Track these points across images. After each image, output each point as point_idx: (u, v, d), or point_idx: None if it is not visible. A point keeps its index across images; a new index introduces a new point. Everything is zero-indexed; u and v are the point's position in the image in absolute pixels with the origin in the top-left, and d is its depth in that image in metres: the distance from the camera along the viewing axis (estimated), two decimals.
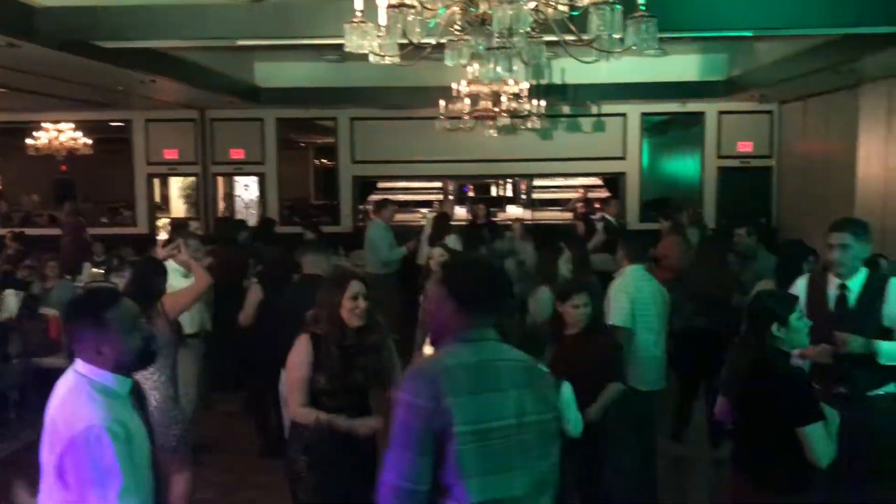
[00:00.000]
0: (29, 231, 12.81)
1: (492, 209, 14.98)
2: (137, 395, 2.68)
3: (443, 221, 9.06)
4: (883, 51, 7.45)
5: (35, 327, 7.62)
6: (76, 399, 2.45)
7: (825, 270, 4.10)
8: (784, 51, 9.67)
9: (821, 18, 6.60)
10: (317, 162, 18.60)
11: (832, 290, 3.95)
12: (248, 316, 6.18)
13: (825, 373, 3.50)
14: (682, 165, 14.69)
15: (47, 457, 2.47)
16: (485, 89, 9.31)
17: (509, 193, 16.51)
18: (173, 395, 4.41)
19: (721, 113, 12.98)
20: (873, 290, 3.89)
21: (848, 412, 3.30)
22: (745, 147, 13.05)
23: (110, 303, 2.58)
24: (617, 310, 4.94)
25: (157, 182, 14.93)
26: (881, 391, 3.86)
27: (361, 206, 14.30)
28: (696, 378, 6.17)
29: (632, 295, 5.10)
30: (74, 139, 13.78)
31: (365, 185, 14.46)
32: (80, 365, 2.53)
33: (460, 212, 14.60)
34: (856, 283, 3.92)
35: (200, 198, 14.10)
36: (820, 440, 2.95)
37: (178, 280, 5.28)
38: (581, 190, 15.81)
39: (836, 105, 10.76)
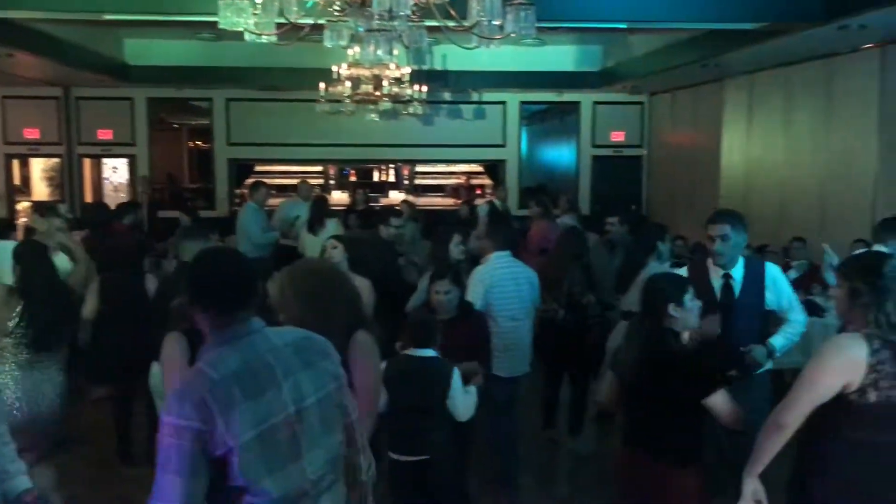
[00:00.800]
0: None
1: (373, 194, 14.96)
2: None
3: (320, 205, 8.86)
4: (744, 46, 7.88)
5: None
6: None
7: (704, 260, 4.24)
8: (655, 44, 10.06)
9: (689, 14, 6.91)
10: (191, 144, 17.95)
11: (716, 280, 4.11)
12: (90, 310, 5.66)
13: (717, 358, 3.64)
14: (559, 154, 15.07)
15: None
16: (366, 73, 9.22)
17: (392, 179, 16.47)
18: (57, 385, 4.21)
19: (596, 103, 13.39)
20: (754, 278, 4.10)
21: (740, 394, 3.43)
22: (618, 136, 13.52)
23: None
24: (471, 297, 4.90)
25: (16, 163, 14.01)
26: (761, 370, 4.13)
27: (238, 190, 13.92)
28: (558, 364, 6.20)
29: (488, 282, 5.08)
30: None
31: (241, 169, 14.07)
32: None
33: (341, 197, 14.47)
34: (737, 272, 4.10)
35: (66, 181, 13.34)
36: (727, 404, 3.09)
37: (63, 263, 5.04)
38: (464, 177, 15.99)
39: (703, 97, 11.31)
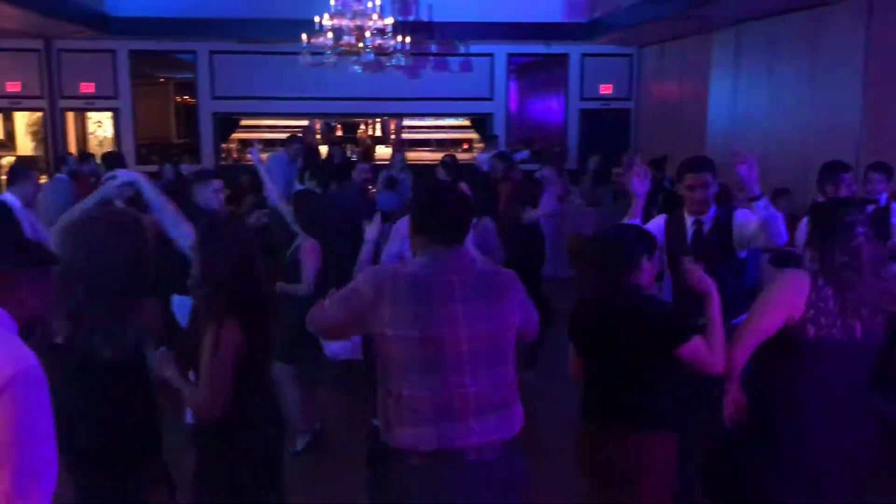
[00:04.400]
0: None
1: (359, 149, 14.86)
2: None
3: (312, 155, 8.67)
4: None
5: None
6: None
7: (679, 209, 4.19)
8: None
9: None
10: (178, 99, 17.76)
11: (689, 228, 4.09)
12: None
13: (686, 310, 3.47)
14: (548, 107, 14.97)
15: None
16: (348, 23, 9.11)
17: (378, 133, 16.35)
18: None
19: (584, 56, 13.25)
20: (722, 222, 4.06)
21: None
22: (606, 90, 13.42)
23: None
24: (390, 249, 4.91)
25: None
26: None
27: (224, 145, 13.81)
28: None
29: (403, 233, 5.08)
30: None
31: (227, 123, 13.95)
32: None
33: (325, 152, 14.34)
34: (707, 217, 4.08)
35: (48, 135, 13.21)
36: (706, 349, 2.88)
37: None
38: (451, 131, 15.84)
39: (690, 50, 11.20)
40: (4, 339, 1.79)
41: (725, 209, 4.16)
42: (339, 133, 15.93)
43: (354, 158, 12.75)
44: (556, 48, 13.12)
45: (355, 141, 15.96)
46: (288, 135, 10.51)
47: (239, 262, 2.81)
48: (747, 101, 9.70)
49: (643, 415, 2.95)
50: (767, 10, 8.75)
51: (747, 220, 3.91)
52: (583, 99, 13.43)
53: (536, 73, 15.64)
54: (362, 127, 16.34)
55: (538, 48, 13.29)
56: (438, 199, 2.54)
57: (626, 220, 4.06)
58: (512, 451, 2.51)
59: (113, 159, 7.94)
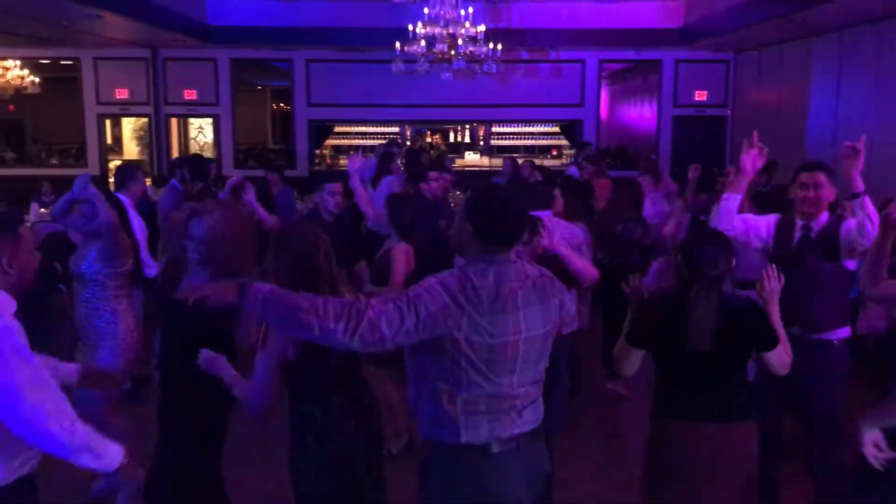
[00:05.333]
0: None
1: (449, 155, 14.97)
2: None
3: (385, 161, 8.62)
4: (833, 1, 7.51)
5: None
6: None
7: (792, 213, 4.07)
8: None
9: None
10: (274, 106, 18.34)
11: (797, 232, 3.97)
12: None
13: (782, 314, 3.29)
14: (640, 114, 14.76)
15: None
16: (441, 31, 9.21)
17: (468, 139, 16.45)
18: None
19: (678, 61, 13.02)
20: (832, 229, 3.92)
21: (797, 354, 3.31)
22: (701, 96, 13.14)
23: (21, 221, 2.62)
24: None
25: (108, 123, 14.60)
26: (834, 338, 3.86)
27: (318, 151, 14.16)
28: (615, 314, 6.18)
29: None
30: (22, 77, 13.36)
31: (321, 129, 14.30)
32: None
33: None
34: (817, 223, 3.94)
35: (153, 140, 13.83)
36: (784, 352, 3.10)
37: None
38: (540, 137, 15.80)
39: (790, 55, 10.86)
40: None
41: (835, 218, 4.01)
42: (429, 139, 16.10)
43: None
44: (649, 54, 12.94)
45: (446, 146, 16.09)
46: (384, 140, 10.73)
47: (302, 267, 2.93)
48: (850, 109, 9.33)
49: (735, 409, 3.05)
50: (874, 15, 8.41)
51: (852, 228, 3.78)
52: (676, 106, 13.19)
53: (627, 79, 15.46)
54: (436, 136, 16.46)
55: (630, 54, 13.13)
56: (499, 203, 2.54)
57: (726, 193, 3.99)
58: (539, 438, 2.64)
59: (195, 163, 8.22)
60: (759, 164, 3.93)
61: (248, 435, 4.23)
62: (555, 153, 14.99)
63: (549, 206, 5.11)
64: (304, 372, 2.91)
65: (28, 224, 8.78)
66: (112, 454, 2.47)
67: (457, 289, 2.39)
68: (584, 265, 4.24)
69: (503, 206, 2.52)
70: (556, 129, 15.02)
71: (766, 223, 4.04)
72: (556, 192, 5.47)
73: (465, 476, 2.51)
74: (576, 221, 5.42)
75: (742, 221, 4.03)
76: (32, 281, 2.60)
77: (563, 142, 15.01)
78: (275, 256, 3.00)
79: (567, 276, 4.05)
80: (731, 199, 3.96)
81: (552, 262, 4.10)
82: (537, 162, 11.10)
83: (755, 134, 3.96)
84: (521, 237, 2.59)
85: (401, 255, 4.84)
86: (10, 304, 2.51)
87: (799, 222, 3.97)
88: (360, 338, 2.33)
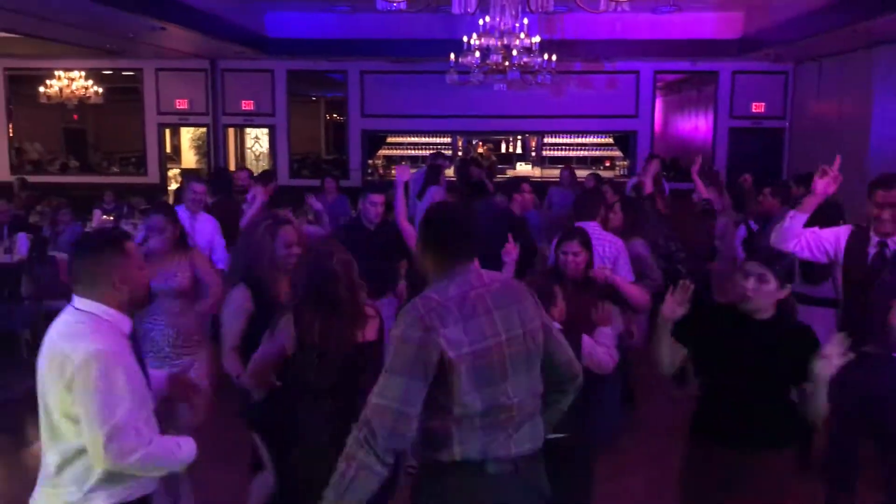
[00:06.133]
0: (40, 178, 12.93)
1: (500, 166, 14.96)
2: (134, 340, 2.60)
3: (433, 172, 8.62)
4: None
5: (46, 270, 7.73)
6: (79, 330, 2.40)
7: (866, 227, 3.98)
8: (799, 9, 9.54)
9: None
10: (328, 116, 18.56)
11: (872, 248, 3.89)
12: None
13: (855, 330, 3.25)
14: (695, 125, 14.58)
15: (50, 395, 2.44)
16: (495, 42, 9.22)
17: (519, 150, 16.41)
18: None
19: (735, 73, 12.85)
20: None
21: (868, 372, 3.22)
22: (758, 108, 12.94)
23: (128, 237, 2.60)
24: None
25: (167, 132, 14.95)
26: None
27: (370, 161, 14.29)
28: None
29: None
30: (86, 87, 13.78)
31: (374, 140, 14.44)
32: (80, 302, 2.47)
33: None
34: (894, 242, 3.84)
35: (210, 149, 14.12)
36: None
37: None
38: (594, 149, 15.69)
39: (851, 66, 10.63)
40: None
41: None
42: (480, 150, 16.11)
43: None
44: (706, 65, 12.80)
45: (497, 157, 16.08)
46: (432, 151, 10.78)
47: (318, 290, 3.14)
48: None
49: (782, 434, 3.01)
50: None
51: None
52: (733, 117, 13.02)
53: (682, 91, 15.30)
54: (487, 146, 16.43)
55: (686, 65, 13.01)
56: (449, 216, 2.61)
57: (793, 212, 3.93)
58: (539, 462, 2.58)
59: (217, 178, 8.37)
60: (831, 189, 3.86)
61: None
62: (608, 164, 14.89)
63: (593, 217, 5.07)
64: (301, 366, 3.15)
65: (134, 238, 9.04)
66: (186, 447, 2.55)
67: (420, 313, 2.39)
68: (635, 292, 4.32)
69: (451, 222, 2.57)
70: (609, 140, 14.92)
71: (834, 236, 3.95)
72: (617, 205, 5.46)
73: (458, 496, 2.45)
74: (634, 237, 5.39)
75: (808, 237, 3.95)
76: (144, 297, 2.62)
77: (617, 153, 14.90)
78: (294, 274, 3.31)
79: (620, 299, 4.17)
80: (797, 218, 3.90)
81: (601, 287, 4.09)
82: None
83: (837, 160, 3.87)
84: (477, 247, 2.60)
85: None
86: (125, 323, 2.51)
87: (874, 237, 3.87)
88: (389, 451, 2.34)
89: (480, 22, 8.87)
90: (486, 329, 2.44)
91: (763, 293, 3.00)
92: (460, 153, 15.69)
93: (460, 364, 2.36)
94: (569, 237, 4.27)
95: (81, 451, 2.40)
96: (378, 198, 5.55)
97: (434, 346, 2.35)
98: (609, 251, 4.83)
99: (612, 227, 5.31)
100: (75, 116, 16.07)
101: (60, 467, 2.43)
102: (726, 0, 11.01)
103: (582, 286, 4.20)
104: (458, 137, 15.41)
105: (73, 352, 2.35)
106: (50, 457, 2.46)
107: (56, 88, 13.53)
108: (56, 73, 13.54)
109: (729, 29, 11.88)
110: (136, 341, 2.64)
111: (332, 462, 2.44)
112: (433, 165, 8.81)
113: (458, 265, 2.51)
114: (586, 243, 4.25)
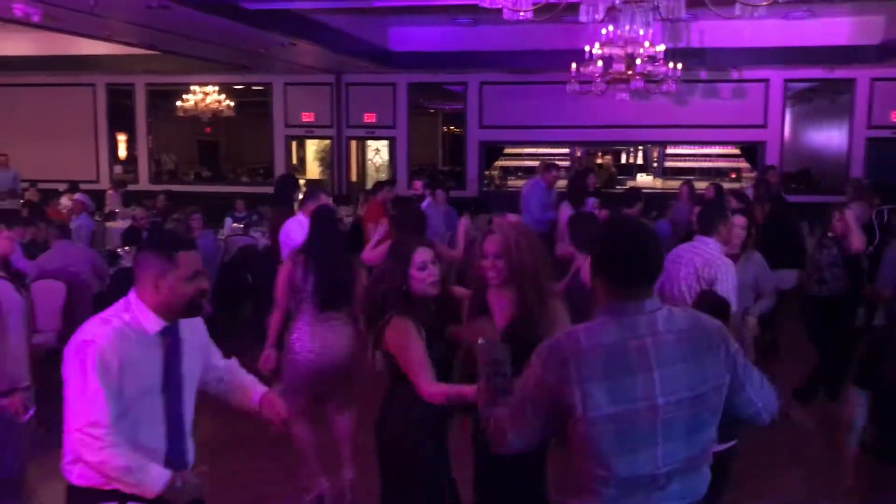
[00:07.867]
0: (175, 187, 13.65)
1: (620, 177, 14.71)
2: (174, 341, 2.60)
3: (579, 182, 8.61)
4: None
5: None
6: (97, 317, 2.52)
7: None
8: None
9: None
10: (445, 128, 18.79)
11: None
12: None
13: None
14: (827, 135, 13.91)
15: None
16: (619, 51, 9.08)
17: (639, 161, 16.11)
18: None
19: (874, 80, 12.18)
20: None
21: None
22: None
23: (186, 245, 2.60)
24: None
25: (294, 144, 15.49)
26: None
27: (487, 172, 14.36)
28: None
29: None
30: (219, 101, 14.47)
31: (492, 151, 14.50)
32: (131, 294, 2.55)
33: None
34: None
35: (334, 160, 14.53)
36: None
37: None
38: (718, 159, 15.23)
39: None
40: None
41: None
42: (600, 161, 15.91)
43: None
44: (842, 73, 12.19)
45: (617, 168, 15.84)
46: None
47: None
48: None
49: None
50: None
51: None
52: (870, 127, 12.34)
53: (812, 99, 14.63)
54: (607, 157, 16.19)
55: (819, 73, 12.43)
56: (627, 237, 2.18)
57: None
58: None
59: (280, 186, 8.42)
60: None
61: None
62: (733, 176, 14.39)
63: (710, 233, 4.53)
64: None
65: (221, 238, 9.45)
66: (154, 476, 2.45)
67: (567, 354, 2.08)
68: None
69: (633, 239, 2.16)
70: (735, 150, 14.43)
71: None
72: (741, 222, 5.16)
73: None
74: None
75: None
76: (180, 311, 2.56)
77: (743, 164, 14.39)
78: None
79: None
80: None
81: None
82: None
83: None
84: (654, 279, 2.17)
85: (584, 270, 4.74)
86: (155, 324, 2.53)
87: None
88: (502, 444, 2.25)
89: (603, 31, 8.76)
90: (638, 390, 2.07)
91: None
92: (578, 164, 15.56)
93: (599, 426, 2.05)
94: None
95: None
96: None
97: (569, 400, 2.06)
98: (709, 273, 4.34)
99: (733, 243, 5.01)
100: (208, 129, 16.91)
101: None
102: (865, 4, 10.43)
103: None
104: (575, 148, 15.29)
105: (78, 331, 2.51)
106: None
107: (191, 102, 14.29)
108: (192, 87, 14.30)
109: (868, 34, 11.27)
110: (176, 344, 2.62)
111: None
112: (577, 176, 8.93)
113: (633, 297, 2.13)
114: None
